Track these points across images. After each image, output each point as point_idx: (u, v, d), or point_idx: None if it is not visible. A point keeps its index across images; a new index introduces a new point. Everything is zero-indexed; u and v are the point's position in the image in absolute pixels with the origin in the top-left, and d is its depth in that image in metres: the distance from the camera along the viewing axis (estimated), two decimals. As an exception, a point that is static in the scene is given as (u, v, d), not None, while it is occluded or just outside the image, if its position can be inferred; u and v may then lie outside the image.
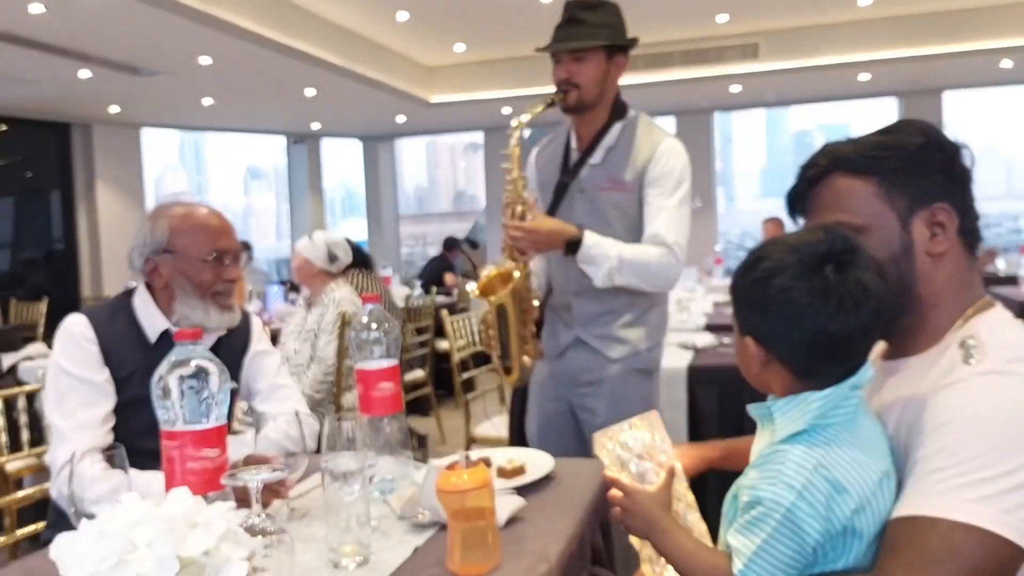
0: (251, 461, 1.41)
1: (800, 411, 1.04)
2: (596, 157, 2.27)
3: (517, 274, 2.16)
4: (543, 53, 2.27)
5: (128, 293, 1.85)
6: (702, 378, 3.10)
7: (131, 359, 1.75)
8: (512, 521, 1.36)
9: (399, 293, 6.65)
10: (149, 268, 1.80)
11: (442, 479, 1.13)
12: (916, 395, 1.06)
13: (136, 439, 1.51)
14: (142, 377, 1.61)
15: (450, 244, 9.59)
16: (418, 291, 7.46)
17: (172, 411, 1.17)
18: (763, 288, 1.05)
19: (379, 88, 8.52)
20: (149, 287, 1.82)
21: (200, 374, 1.18)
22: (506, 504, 1.35)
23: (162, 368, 1.19)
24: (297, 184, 12.68)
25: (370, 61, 8.18)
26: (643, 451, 1.27)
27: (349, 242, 5.35)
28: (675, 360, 3.21)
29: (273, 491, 1.39)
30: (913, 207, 1.12)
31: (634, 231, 2.24)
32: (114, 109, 9.14)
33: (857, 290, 1.02)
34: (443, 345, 5.50)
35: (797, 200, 1.22)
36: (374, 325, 1.49)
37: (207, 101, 9.03)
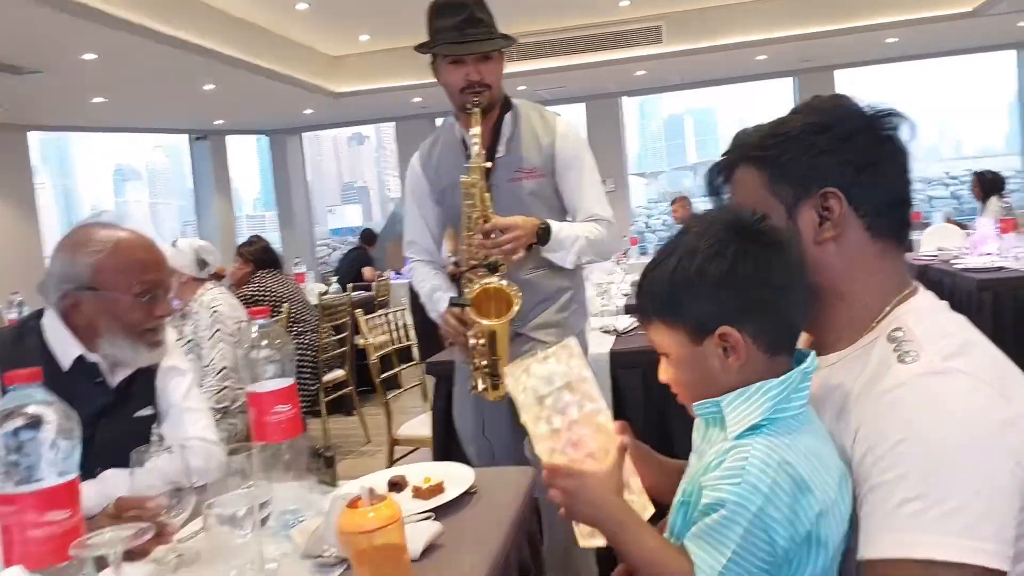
0: (124, 505, 1.26)
1: (754, 402, 0.95)
2: (500, 150, 2.24)
3: (518, 305, 2.10)
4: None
5: (37, 315, 1.68)
6: (625, 362, 3.07)
7: None
8: (429, 550, 1.25)
9: (313, 290, 6.44)
10: (68, 304, 1.62)
11: (344, 519, 1.00)
12: (851, 398, 0.99)
13: None
14: None
15: (368, 237, 9.37)
16: (334, 287, 7.23)
17: (1, 471, 0.99)
18: (720, 262, 0.95)
19: (282, 80, 8.24)
20: (66, 319, 1.64)
21: (37, 423, 1.01)
22: (421, 532, 1.24)
23: None
24: (202, 183, 12.17)
25: (270, 53, 7.90)
26: (564, 384, 1.10)
27: (260, 239, 5.16)
28: (598, 345, 3.18)
29: (156, 534, 1.23)
30: (799, 195, 1.06)
31: (553, 214, 2.23)
32: (-6, 111, 8.58)
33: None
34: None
35: (716, 193, 1.17)
36: (264, 342, 1.34)
37: (97, 99, 8.57)
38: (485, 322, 2.09)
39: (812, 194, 1.05)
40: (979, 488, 0.86)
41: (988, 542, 0.85)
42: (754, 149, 1.09)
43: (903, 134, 1.07)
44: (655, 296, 1.01)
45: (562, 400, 1.08)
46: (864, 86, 11.96)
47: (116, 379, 1.69)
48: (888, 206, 1.07)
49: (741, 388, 0.96)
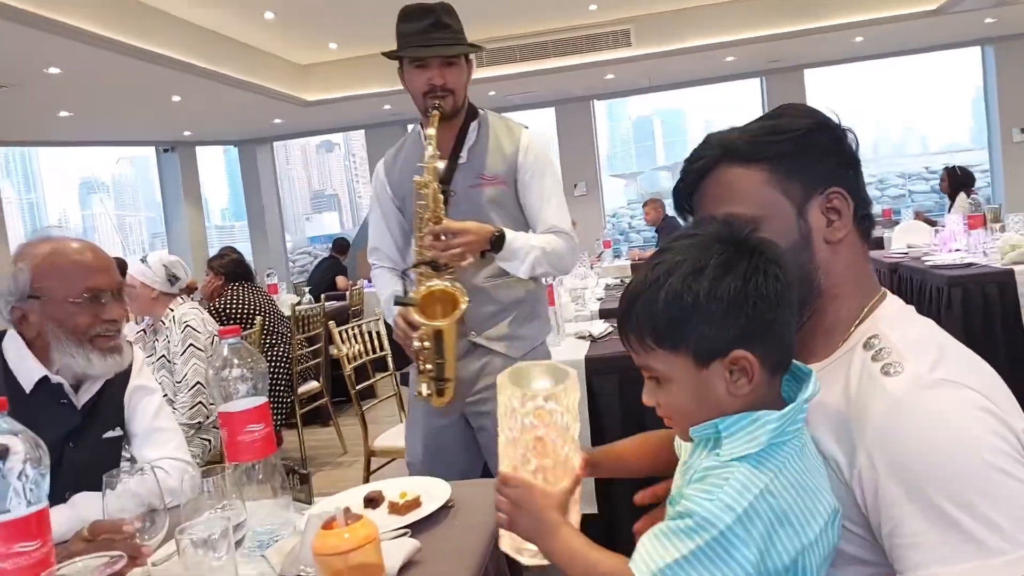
0: (98, 529, 1.23)
1: (753, 434, 0.90)
2: (463, 156, 2.22)
3: (465, 304, 2.05)
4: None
5: None
6: (600, 368, 3.06)
7: None
8: (407, 567, 1.23)
9: (286, 301, 6.38)
10: (17, 317, 1.60)
11: (319, 541, 0.99)
12: (842, 416, 0.97)
13: None
14: None
15: (341, 246, 9.31)
16: (307, 298, 7.17)
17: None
18: (733, 280, 0.90)
19: (251, 89, 8.18)
20: (21, 334, 1.63)
21: (3, 454, 0.99)
22: (398, 550, 1.22)
23: None
24: (171, 194, 12.03)
25: (238, 62, 7.84)
26: (553, 423, 1.06)
27: (231, 251, 5.10)
28: (573, 352, 3.18)
29: (130, 558, 1.21)
30: (808, 193, 1.06)
31: (512, 224, 2.20)
32: (-43, 127, 8.46)
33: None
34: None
35: (685, 197, 1.14)
36: (236, 361, 1.33)
37: (64, 113, 8.45)
38: (428, 322, 2.04)
39: (819, 193, 1.05)
40: (1008, 495, 0.86)
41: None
42: (754, 147, 1.06)
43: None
44: (656, 321, 0.93)
45: (546, 436, 1.05)
46: (833, 85, 12.11)
47: (82, 400, 1.67)
48: (868, 207, 1.09)
49: (741, 413, 0.91)
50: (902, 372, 0.94)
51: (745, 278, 0.90)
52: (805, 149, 1.06)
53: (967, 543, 0.86)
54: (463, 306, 2.05)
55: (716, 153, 1.09)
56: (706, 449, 0.95)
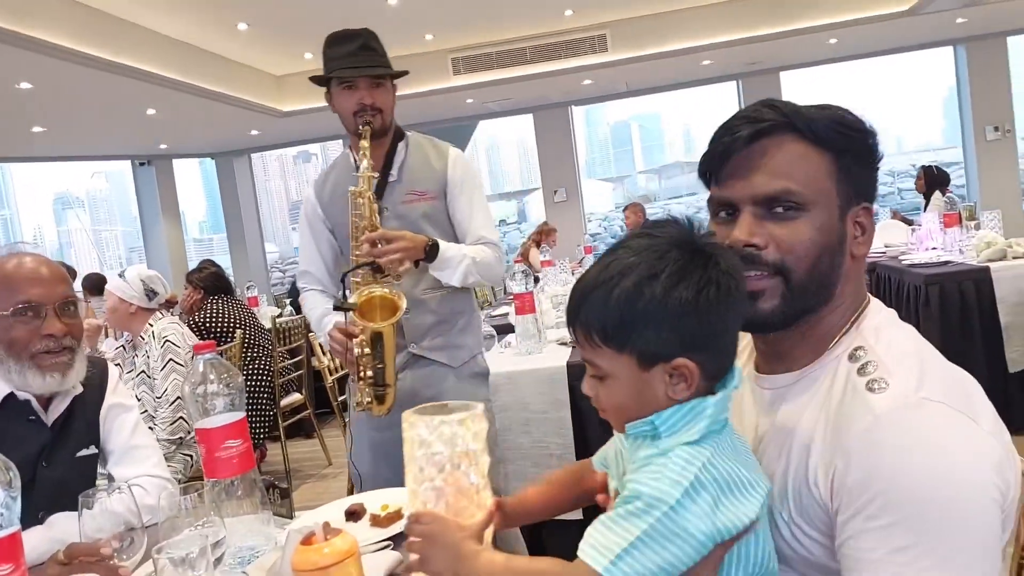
0: (75, 552, 1.21)
1: (692, 421, 0.91)
2: (393, 175, 2.30)
3: (404, 306, 2.06)
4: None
5: None
6: (582, 375, 3.03)
7: None
8: (389, 580, 1.22)
9: (267, 313, 6.35)
10: None
11: (298, 557, 0.98)
12: (821, 427, 0.97)
13: None
14: None
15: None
16: (288, 310, 7.14)
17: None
18: (684, 289, 0.89)
19: (226, 101, 8.13)
20: None
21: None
22: (379, 563, 1.21)
23: None
24: (148, 208, 11.93)
25: (213, 74, 7.80)
26: (464, 452, 1.00)
27: (210, 265, 5.06)
28: (554, 358, 3.17)
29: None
30: (850, 199, 1.02)
31: (445, 237, 2.26)
32: (-72, 144, 8.35)
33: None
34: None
35: (725, 158, 1.03)
36: (212, 376, 1.31)
37: (37, 129, 8.37)
38: (371, 325, 2.04)
39: (857, 203, 1.03)
40: (968, 529, 0.86)
41: None
42: (830, 131, 1.01)
43: None
44: (605, 320, 0.93)
45: (454, 466, 0.98)
46: (809, 87, 12.20)
47: (51, 417, 1.64)
48: None
49: (676, 407, 0.92)
50: (886, 389, 0.93)
51: (697, 288, 0.90)
52: (868, 154, 1.04)
53: (911, 566, 0.85)
54: (403, 306, 2.06)
55: (784, 118, 1.02)
56: (644, 442, 0.95)
